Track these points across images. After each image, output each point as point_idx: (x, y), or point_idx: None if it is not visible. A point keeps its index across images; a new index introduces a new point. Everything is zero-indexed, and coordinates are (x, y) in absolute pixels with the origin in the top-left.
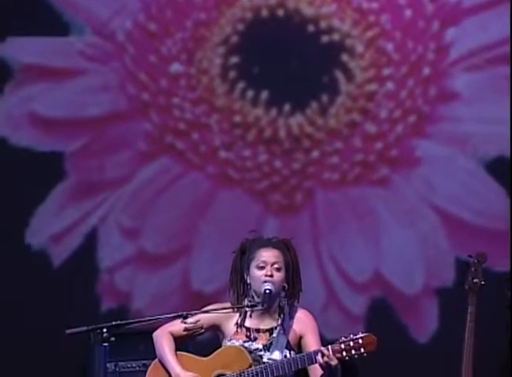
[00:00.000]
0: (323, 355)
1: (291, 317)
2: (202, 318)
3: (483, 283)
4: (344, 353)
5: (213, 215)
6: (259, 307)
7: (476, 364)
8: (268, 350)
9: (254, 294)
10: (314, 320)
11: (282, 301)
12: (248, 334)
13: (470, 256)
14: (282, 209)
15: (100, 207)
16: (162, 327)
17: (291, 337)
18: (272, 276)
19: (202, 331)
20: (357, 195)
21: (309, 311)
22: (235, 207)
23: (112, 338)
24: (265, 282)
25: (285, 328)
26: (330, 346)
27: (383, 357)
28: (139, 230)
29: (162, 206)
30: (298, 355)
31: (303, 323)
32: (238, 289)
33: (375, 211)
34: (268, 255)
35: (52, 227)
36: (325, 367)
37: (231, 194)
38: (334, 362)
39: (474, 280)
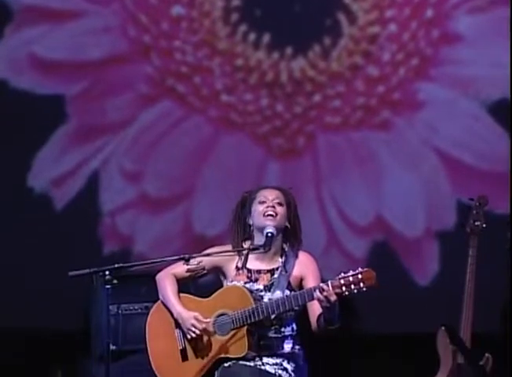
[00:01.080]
0: (322, 291)
1: (293, 259)
2: (205, 260)
3: (484, 225)
4: (343, 288)
5: (215, 159)
6: (261, 250)
7: (476, 306)
8: (269, 291)
9: (256, 232)
10: (315, 263)
11: (284, 244)
12: (249, 275)
13: (472, 199)
14: (284, 153)
15: (102, 151)
16: (164, 270)
17: (292, 278)
18: (273, 206)
19: (205, 272)
20: (359, 138)
21: (311, 254)
22: (237, 151)
23: (115, 281)
24: (266, 214)
25: (287, 269)
26: (329, 282)
27: (384, 300)
28: (141, 174)
29: (163, 150)
30: (298, 292)
31: (304, 265)
32: (238, 235)
33: (377, 155)
34: (269, 193)
35: (53, 170)
36: (324, 303)
37: (233, 138)
38: (333, 298)
39: (476, 223)
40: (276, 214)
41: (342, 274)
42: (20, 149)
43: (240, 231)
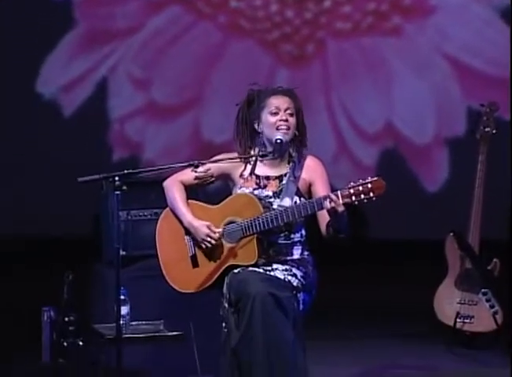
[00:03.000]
0: (330, 201)
1: (301, 164)
2: (213, 167)
3: (494, 132)
4: (353, 198)
5: (224, 66)
6: (270, 156)
7: (485, 212)
8: (278, 197)
9: (265, 141)
10: (323, 167)
11: (292, 149)
12: (258, 181)
13: (482, 105)
14: (293, 60)
15: (110, 57)
16: (172, 176)
17: (301, 184)
18: (287, 120)
19: (213, 179)
20: (370, 45)
21: (319, 158)
22: (246, 58)
23: (124, 187)
24: (279, 128)
25: (295, 175)
26: (339, 191)
27: (394, 206)
28: (149, 81)
29: (172, 57)
30: (307, 201)
31: (312, 169)
32: (245, 140)
33: (387, 61)
34: (280, 102)
35: (62, 76)
36: (332, 213)
37: (242, 45)
38: (340, 208)
39: (486, 129)
40: (290, 128)
41: (352, 183)
42: (29, 55)
43: (246, 135)
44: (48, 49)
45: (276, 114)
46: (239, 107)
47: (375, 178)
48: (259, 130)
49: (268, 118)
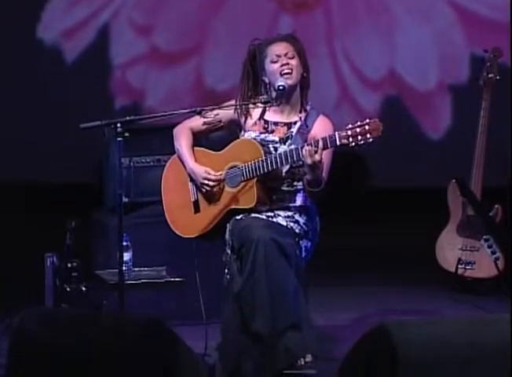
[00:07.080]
0: (309, 144)
1: (313, 119)
2: (221, 113)
3: (498, 78)
4: (350, 139)
5: (227, 12)
6: (272, 103)
7: (488, 159)
8: (284, 143)
9: (273, 91)
10: (333, 130)
11: (304, 101)
12: (266, 126)
13: (486, 51)
14: (296, 6)
15: (112, 2)
16: (182, 123)
17: (308, 138)
18: (287, 63)
19: (221, 124)
20: None
21: (330, 119)
22: (249, 4)
23: (126, 134)
24: (282, 73)
25: (307, 124)
26: (337, 133)
27: (397, 154)
28: (151, 27)
29: (174, 2)
30: (299, 146)
31: (322, 128)
32: (245, 94)
33: (390, 8)
34: (278, 48)
35: (63, 22)
36: (307, 159)
37: None
38: (316, 156)
39: (489, 75)
40: (292, 70)
41: (350, 125)
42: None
43: (248, 89)
44: None
45: (276, 62)
46: (243, 64)
47: (372, 120)
48: (267, 81)
49: (270, 67)
